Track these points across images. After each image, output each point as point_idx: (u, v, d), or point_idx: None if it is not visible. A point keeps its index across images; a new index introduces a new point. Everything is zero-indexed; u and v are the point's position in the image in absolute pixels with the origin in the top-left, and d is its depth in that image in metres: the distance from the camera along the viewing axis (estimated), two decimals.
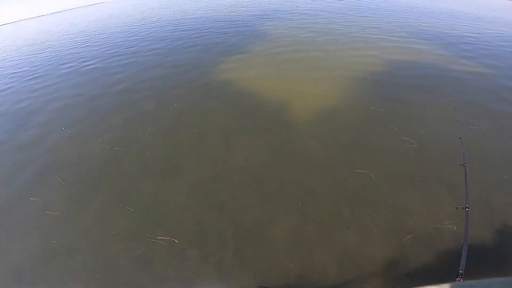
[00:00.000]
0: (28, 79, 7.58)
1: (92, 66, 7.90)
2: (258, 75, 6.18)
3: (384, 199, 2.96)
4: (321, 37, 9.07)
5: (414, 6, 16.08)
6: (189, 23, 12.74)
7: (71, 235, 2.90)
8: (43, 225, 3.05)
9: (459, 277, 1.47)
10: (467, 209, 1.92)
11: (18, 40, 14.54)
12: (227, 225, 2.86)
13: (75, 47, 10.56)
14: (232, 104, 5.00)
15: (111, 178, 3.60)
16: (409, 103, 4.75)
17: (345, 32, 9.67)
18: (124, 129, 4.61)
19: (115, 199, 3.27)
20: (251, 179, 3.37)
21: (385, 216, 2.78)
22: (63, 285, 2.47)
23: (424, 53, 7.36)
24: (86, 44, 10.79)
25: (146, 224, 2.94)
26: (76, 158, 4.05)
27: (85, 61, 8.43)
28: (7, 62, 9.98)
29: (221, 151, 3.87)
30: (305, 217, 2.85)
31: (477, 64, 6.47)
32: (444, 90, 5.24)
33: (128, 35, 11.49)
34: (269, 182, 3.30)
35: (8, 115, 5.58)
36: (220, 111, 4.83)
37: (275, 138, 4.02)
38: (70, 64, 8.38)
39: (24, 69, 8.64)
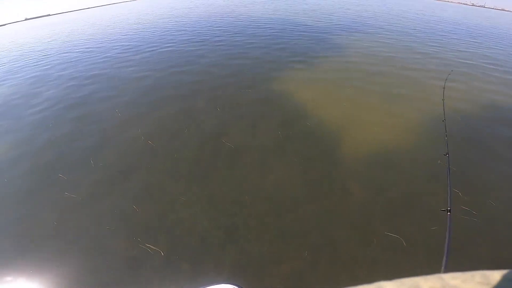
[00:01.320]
0: None
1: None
2: (319, 93, 5.93)
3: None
4: (407, 59, 8.49)
5: None
6: (266, 22, 13.41)
7: (75, 222, 3.09)
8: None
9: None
10: (449, 212, 1.90)
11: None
12: (229, 250, 2.73)
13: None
14: (281, 121, 4.80)
15: (136, 172, 3.76)
16: (487, 164, 3.90)
17: (440, 56, 8.98)
18: (164, 123, 4.85)
19: (130, 194, 3.40)
20: (272, 210, 3.14)
21: None
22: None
23: None
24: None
25: (147, 227, 2.98)
26: (113, 144, 4.33)
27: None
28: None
29: (252, 171, 3.71)
30: (313, 267, 2.56)
31: None
32: None
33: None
34: (289, 219, 3.03)
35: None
36: (267, 126, 4.69)
37: (314, 171, 3.69)
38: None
39: None
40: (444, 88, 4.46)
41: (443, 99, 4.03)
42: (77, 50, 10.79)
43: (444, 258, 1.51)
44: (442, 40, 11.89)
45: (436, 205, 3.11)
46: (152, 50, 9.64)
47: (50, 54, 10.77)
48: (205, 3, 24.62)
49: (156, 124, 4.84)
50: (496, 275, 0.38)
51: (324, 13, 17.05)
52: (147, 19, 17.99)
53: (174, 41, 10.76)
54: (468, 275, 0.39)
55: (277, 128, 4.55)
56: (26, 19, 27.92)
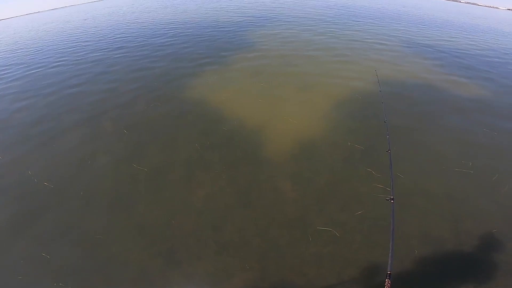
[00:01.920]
0: None
1: None
2: (233, 93, 5.90)
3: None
4: (313, 46, 9.06)
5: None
6: (164, 28, 12.66)
7: None
8: None
9: (388, 278, 1.48)
10: (392, 201, 1.99)
11: None
12: (172, 277, 2.61)
13: None
14: (200, 131, 4.66)
15: (42, 217, 3.33)
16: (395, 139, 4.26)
17: (342, 41, 9.75)
18: (62, 157, 4.30)
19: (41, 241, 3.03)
20: (208, 225, 3.07)
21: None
22: None
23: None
24: None
25: (68, 274, 2.68)
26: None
27: None
28: None
29: (179, 189, 3.55)
30: (264, 275, 2.59)
31: None
32: (442, 119, 4.92)
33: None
34: (228, 231, 2.99)
35: None
36: (186, 139, 4.47)
37: (242, 177, 3.68)
38: None
39: None
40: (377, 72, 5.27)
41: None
42: None
43: (390, 259, 1.57)
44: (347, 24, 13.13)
45: (356, 186, 3.45)
46: (39, 70, 8.20)
47: None
48: (104, 13, 21.91)
49: (51, 160, 4.23)
50: None
51: (235, 10, 17.21)
52: (29, 37, 15.10)
53: (65, 58, 9.56)
54: None
55: (197, 139, 4.42)
56: None
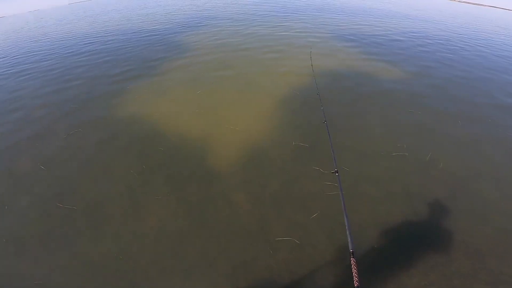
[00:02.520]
0: None
1: None
2: (168, 106, 5.45)
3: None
4: (248, 43, 9.07)
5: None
6: (80, 42, 11.19)
7: None
8: None
9: (352, 257, 1.48)
10: (337, 173, 2.17)
11: None
12: None
13: None
14: (137, 153, 4.22)
15: None
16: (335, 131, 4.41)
17: (274, 36, 9.92)
18: None
19: None
20: (167, 252, 2.84)
21: None
22: None
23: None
24: None
25: None
26: None
27: None
28: None
29: (124, 221, 3.20)
30: None
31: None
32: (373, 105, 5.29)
33: None
34: (190, 255, 2.80)
35: None
36: (121, 166, 4.01)
37: (193, 196, 3.44)
38: None
39: None
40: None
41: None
42: None
43: (349, 237, 1.60)
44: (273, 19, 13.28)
45: (308, 187, 3.48)
46: None
47: None
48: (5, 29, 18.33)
49: None
50: None
51: (163, 14, 16.21)
52: None
53: None
54: None
55: (135, 162, 4.00)
56: None
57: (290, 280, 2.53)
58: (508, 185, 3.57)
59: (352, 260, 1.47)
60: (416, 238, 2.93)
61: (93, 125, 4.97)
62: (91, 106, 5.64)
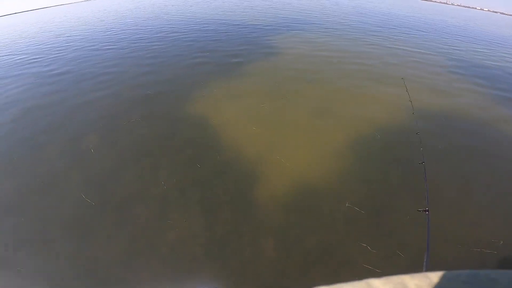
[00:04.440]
0: None
1: None
2: (239, 112, 5.37)
3: None
4: (343, 58, 8.39)
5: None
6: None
7: None
8: None
9: None
10: (427, 212, 2.12)
11: None
12: None
13: None
14: (188, 159, 4.15)
15: None
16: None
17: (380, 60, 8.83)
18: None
19: None
20: (169, 275, 2.70)
21: None
22: None
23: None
24: None
25: None
26: None
27: None
28: None
29: (147, 227, 3.16)
30: None
31: None
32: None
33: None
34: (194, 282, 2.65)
35: None
36: (169, 168, 4.00)
37: (221, 225, 3.20)
38: None
39: None
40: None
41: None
42: None
43: (426, 255, 1.62)
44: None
45: (347, 260, 2.87)
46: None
47: None
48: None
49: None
50: (481, 275, 0.41)
51: (264, 9, 16.73)
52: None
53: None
54: (453, 273, 0.42)
55: (183, 168, 3.96)
56: None
57: None
58: None
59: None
60: None
61: (160, 116, 5.26)
62: (172, 97, 6.00)
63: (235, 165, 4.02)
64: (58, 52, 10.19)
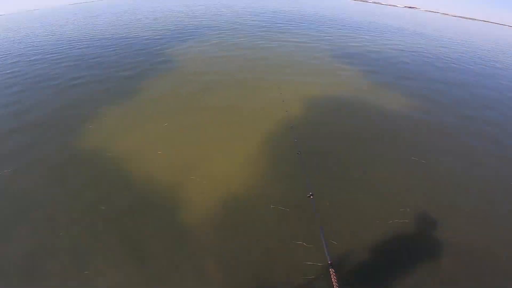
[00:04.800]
0: None
1: None
2: (139, 137, 4.90)
3: None
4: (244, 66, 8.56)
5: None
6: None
7: None
8: None
9: (331, 268, 1.57)
10: (311, 196, 2.29)
11: None
12: None
13: None
14: (95, 200, 3.62)
15: None
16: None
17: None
18: None
19: None
20: None
21: None
22: None
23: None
24: None
25: None
26: None
27: None
28: None
29: (69, 278, 2.69)
30: None
31: None
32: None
33: None
34: None
35: None
36: (72, 213, 3.43)
37: (153, 259, 2.89)
38: None
39: None
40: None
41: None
42: None
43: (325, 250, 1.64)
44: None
45: (292, 255, 2.94)
46: None
47: None
48: None
49: None
50: None
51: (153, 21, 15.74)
52: None
53: None
54: None
55: (87, 214, 3.41)
56: None
57: None
58: None
59: (331, 271, 1.53)
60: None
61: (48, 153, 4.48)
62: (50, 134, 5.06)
63: (149, 196, 3.65)
64: None
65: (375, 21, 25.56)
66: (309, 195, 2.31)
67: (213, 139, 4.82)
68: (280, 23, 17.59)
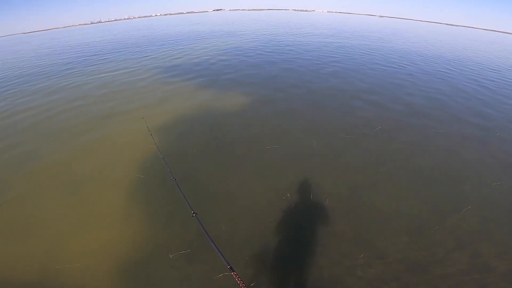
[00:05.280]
0: None
1: None
2: None
3: None
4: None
5: None
6: None
7: None
8: None
9: (234, 272, 1.55)
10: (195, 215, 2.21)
11: None
12: None
13: None
14: None
15: None
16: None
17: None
18: None
19: None
20: None
21: None
22: None
23: None
24: None
25: None
26: None
27: None
28: None
29: None
30: None
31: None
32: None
33: None
34: None
35: None
36: None
37: None
38: None
39: None
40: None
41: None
42: None
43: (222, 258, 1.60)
44: None
45: None
46: None
47: None
48: None
49: None
50: None
51: None
52: None
53: None
54: None
55: None
56: None
57: None
58: None
59: (234, 274, 1.52)
60: None
61: None
62: None
63: None
64: None
65: (197, 30, 27.37)
66: (192, 214, 2.16)
67: (69, 213, 3.70)
68: (85, 57, 15.56)
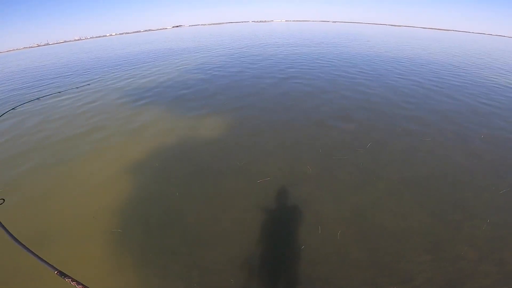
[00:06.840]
0: None
1: None
2: None
3: None
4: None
5: None
6: None
7: None
8: None
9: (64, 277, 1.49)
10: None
11: None
12: None
13: None
14: None
15: None
16: None
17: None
18: None
19: None
20: None
21: None
22: None
23: None
24: None
25: None
26: None
27: None
28: None
29: None
30: None
31: None
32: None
33: None
34: None
35: None
36: None
37: None
38: None
39: None
40: None
41: None
42: None
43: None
44: None
45: None
46: None
47: None
48: None
49: None
50: None
51: None
52: None
53: None
54: None
55: None
56: None
57: None
58: None
59: (69, 281, 1.40)
60: None
61: None
62: None
63: None
64: None
65: (153, 49, 26.25)
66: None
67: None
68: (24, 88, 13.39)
